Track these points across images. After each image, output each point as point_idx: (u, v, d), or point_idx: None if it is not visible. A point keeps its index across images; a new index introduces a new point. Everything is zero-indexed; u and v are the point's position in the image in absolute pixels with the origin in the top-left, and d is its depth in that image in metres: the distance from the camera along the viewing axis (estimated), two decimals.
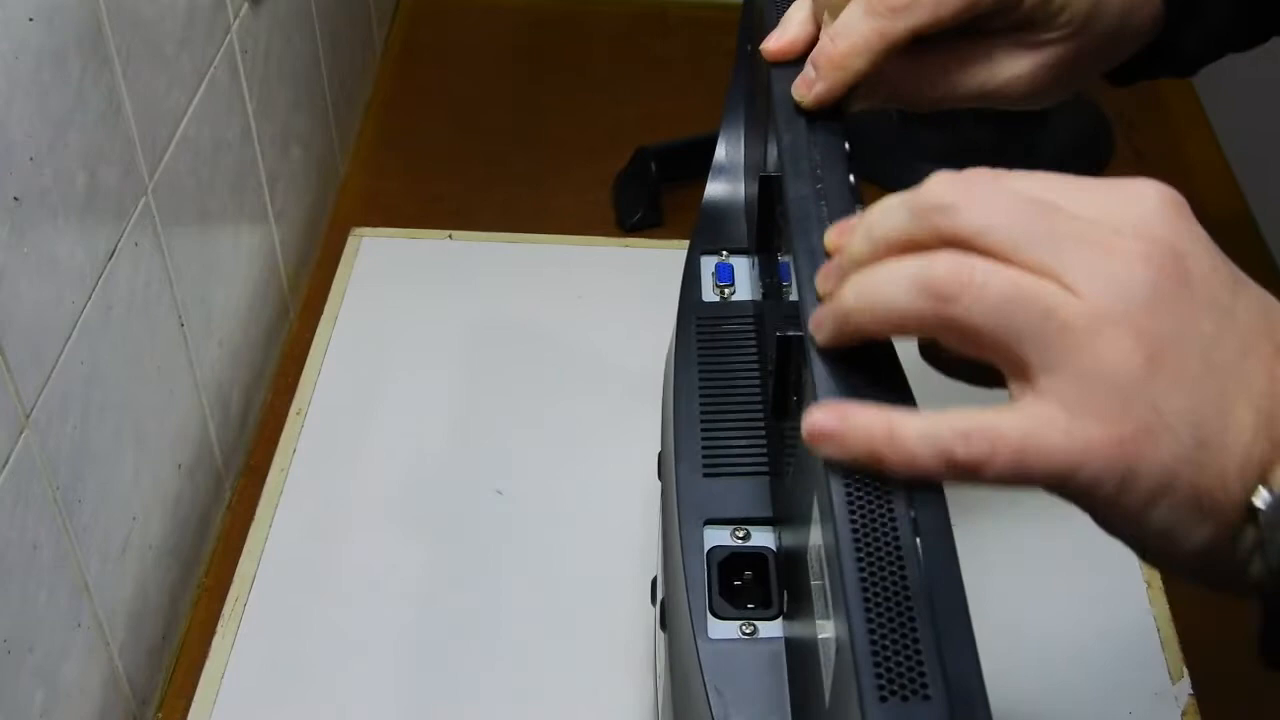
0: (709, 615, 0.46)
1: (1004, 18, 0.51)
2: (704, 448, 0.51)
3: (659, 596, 0.55)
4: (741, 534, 0.48)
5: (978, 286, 0.37)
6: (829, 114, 0.50)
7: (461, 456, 0.83)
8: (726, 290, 0.57)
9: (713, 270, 0.58)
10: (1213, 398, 0.37)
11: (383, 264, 0.96)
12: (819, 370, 0.40)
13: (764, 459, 0.50)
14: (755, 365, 0.54)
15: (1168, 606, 0.75)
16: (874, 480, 0.37)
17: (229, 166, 0.81)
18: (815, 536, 0.39)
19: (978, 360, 0.39)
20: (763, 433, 0.51)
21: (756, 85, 0.58)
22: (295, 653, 0.73)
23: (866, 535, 0.36)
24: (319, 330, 0.91)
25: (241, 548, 0.78)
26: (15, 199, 0.56)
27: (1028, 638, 0.73)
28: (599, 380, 0.87)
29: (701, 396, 0.52)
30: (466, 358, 0.89)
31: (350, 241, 0.98)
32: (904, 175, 0.47)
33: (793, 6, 0.53)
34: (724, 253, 0.59)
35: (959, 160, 0.42)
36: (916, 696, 0.32)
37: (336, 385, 0.87)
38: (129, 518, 0.69)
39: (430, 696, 0.71)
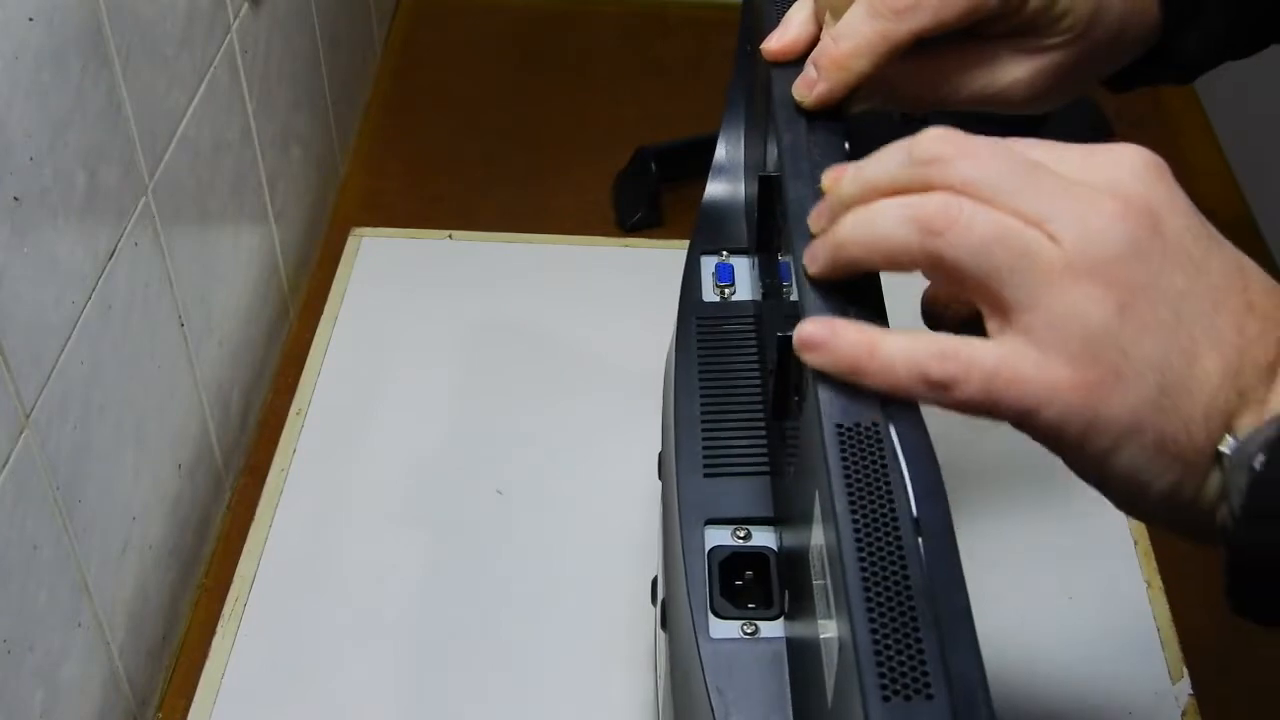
0: (710, 615, 0.46)
1: (1006, 22, 0.51)
2: (704, 448, 0.51)
3: (659, 596, 0.55)
4: (742, 534, 0.48)
5: (964, 223, 0.39)
6: (829, 114, 0.50)
7: (461, 456, 0.83)
8: (727, 290, 0.57)
9: (713, 270, 0.58)
10: (1181, 347, 0.39)
11: (383, 264, 0.96)
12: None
13: (764, 459, 0.50)
14: (755, 365, 0.54)
15: (1168, 606, 0.75)
16: (876, 479, 0.37)
17: (229, 166, 0.81)
18: (817, 536, 0.39)
19: (973, 324, 0.41)
20: (763, 432, 0.51)
21: (756, 85, 0.58)
22: (295, 653, 0.73)
23: (869, 535, 0.36)
24: (319, 330, 0.91)
25: (241, 548, 0.78)
26: (15, 199, 0.56)
27: (1027, 638, 0.73)
28: (599, 380, 0.87)
29: (702, 396, 0.52)
30: (466, 358, 0.89)
31: (350, 241, 0.98)
32: None
33: (794, 7, 0.53)
34: (724, 253, 0.59)
35: None
36: (919, 696, 0.32)
37: (336, 385, 0.87)
38: (129, 518, 0.69)
39: (430, 696, 0.71)
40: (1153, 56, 0.56)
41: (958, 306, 0.45)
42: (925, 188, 0.40)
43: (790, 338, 0.42)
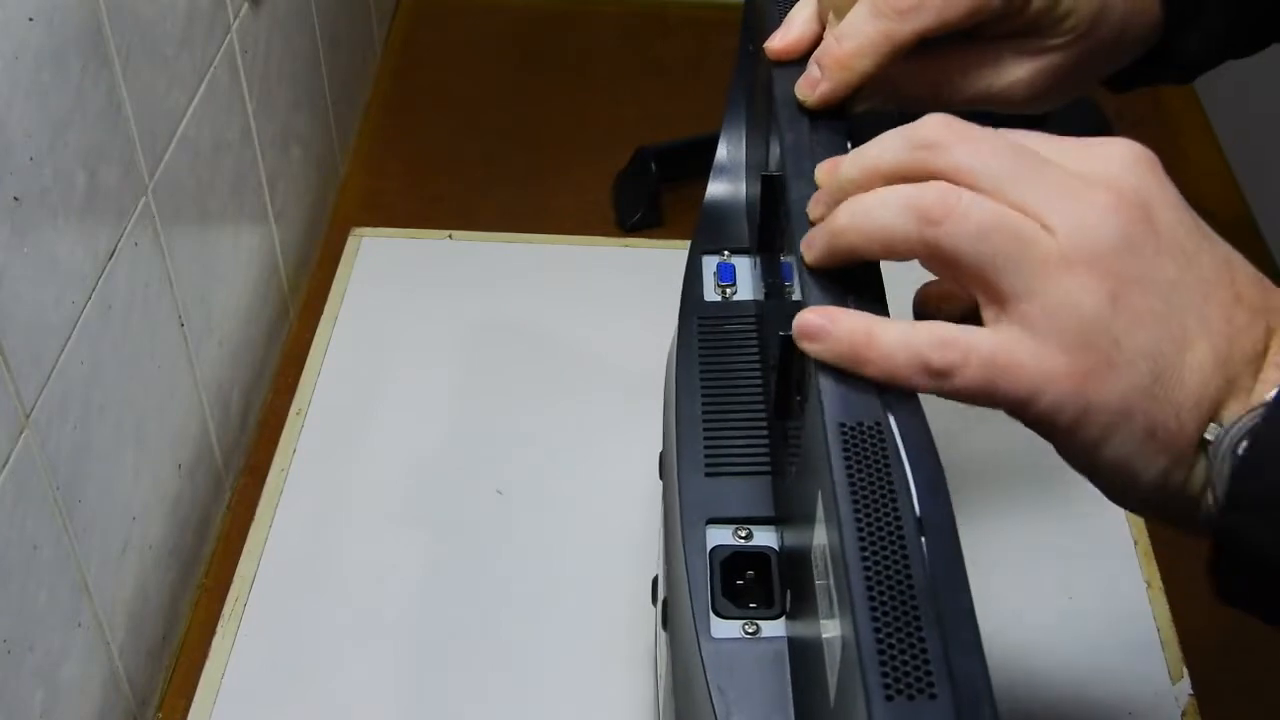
0: (712, 615, 0.46)
1: (1009, 23, 0.51)
2: (706, 447, 0.51)
3: (660, 596, 0.55)
4: (744, 534, 0.48)
5: (962, 213, 0.39)
6: (832, 113, 0.50)
7: (461, 456, 0.83)
8: (728, 290, 0.57)
9: (714, 270, 0.58)
10: (1172, 336, 0.39)
11: (383, 264, 0.96)
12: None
13: (766, 459, 0.50)
14: (757, 365, 0.54)
15: (1168, 606, 0.75)
16: (878, 479, 0.37)
17: (229, 166, 0.81)
18: (819, 536, 0.39)
19: (965, 322, 0.41)
20: (764, 432, 0.51)
21: (758, 85, 0.58)
22: (295, 653, 0.73)
23: (872, 534, 0.36)
24: (319, 330, 0.91)
25: (241, 548, 0.78)
26: (15, 199, 0.55)
27: (1027, 638, 0.73)
28: (598, 380, 0.87)
29: (703, 396, 0.52)
30: (466, 358, 0.89)
31: (350, 241, 0.98)
32: None
33: (796, 6, 0.53)
34: (725, 252, 0.59)
35: None
36: (923, 695, 0.32)
37: (336, 385, 0.87)
38: (129, 518, 0.69)
39: (430, 696, 0.71)
40: (1153, 56, 0.56)
41: (949, 306, 0.45)
42: (924, 172, 0.41)
43: (792, 337, 0.42)
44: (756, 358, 0.54)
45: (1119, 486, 0.42)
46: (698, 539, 0.48)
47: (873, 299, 0.43)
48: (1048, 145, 0.41)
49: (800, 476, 0.43)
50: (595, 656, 0.72)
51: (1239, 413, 0.39)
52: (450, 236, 0.99)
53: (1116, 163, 0.41)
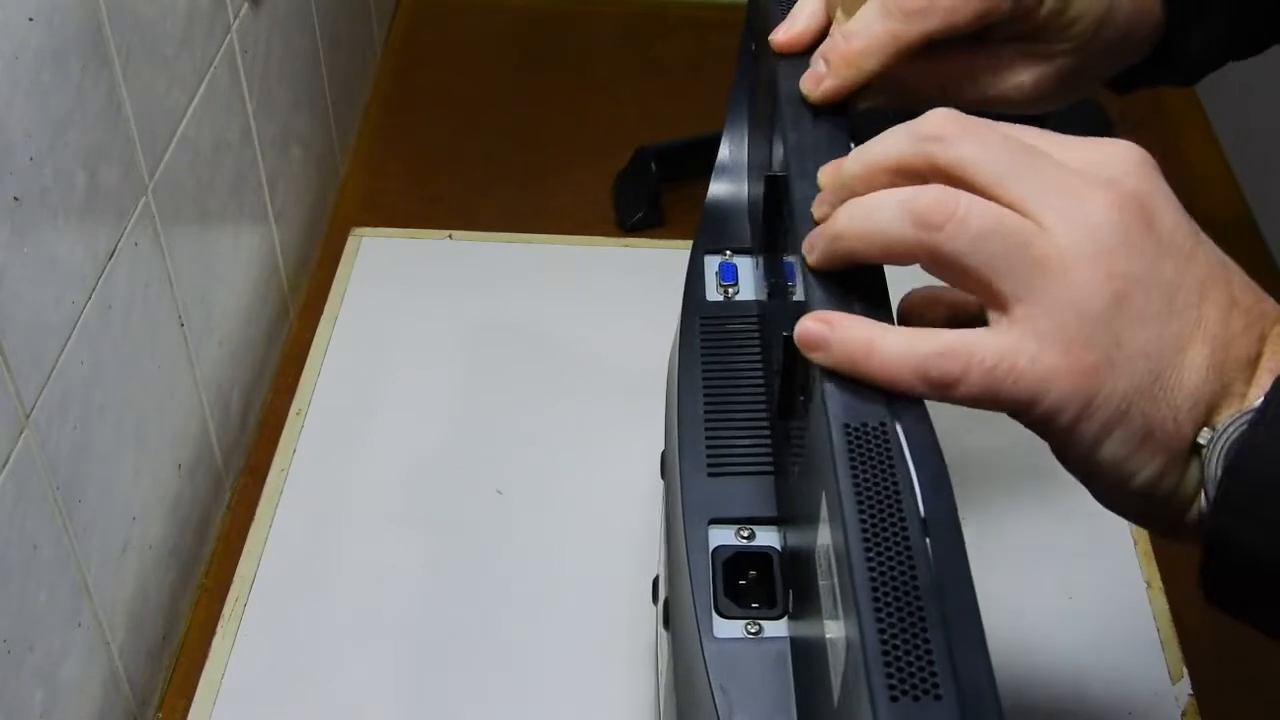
0: (714, 614, 0.46)
1: (1016, 27, 0.52)
2: (708, 447, 0.50)
3: (662, 596, 0.54)
4: (746, 534, 0.48)
5: (960, 218, 0.39)
6: (834, 109, 0.50)
7: (461, 456, 0.83)
8: (730, 290, 0.57)
9: (716, 270, 0.58)
10: (1171, 336, 0.40)
11: (383, 264, 0.96)
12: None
13: (768, 459, 0.50)
14: (759, 365, 0.54)
15: (1168, 606, 0.75)
16: (883, 480, 0.37)
17: (229, 166, 0.81)
18: (823, 536, 0.39)
19: (951, 323, 0.42)
20: (767, 432, 0.51)
21: (760, 85, 0.58)
22: (295, 653, 0.73)
23: (877, 535, 0.36)
24: (319, 330, 0.91)
25: (241, 548, 0.78)
26: (15, 199, 0.55)
27: (1027, 637, 0.73)
28: (598, 380, 0.87)
29: (705, 396, 0.52)
30: (466, 358, 0.89)
31: (350, 241, 0.98)
32: None
33: (801, 0, 0.54)
34: (728, 252, 0.59)
35: None
36: (928, 696, 0.32)
37: (336, 385, 0.87)
38: (129, 518, 0.69)
39: (430, 696, 0.71)
40: (1155, 57, 0.56)
41: (933, 314, 0.45)
42: (928, 164, 0.41)
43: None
44: (759, 358, 0.54)
45: (1112, 489, 0.42)
46: (700, 539, 0.48)
47: (875, 300, 0.43)
48: (1049, 143, 0.42)
49: (803, 476, 0.43)
50: (595, 656, 0.72)
51: (1232, 417, 0.40)
52: (450, 236, 0.99)
53: (1117, 163, 0.41)
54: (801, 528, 0.43)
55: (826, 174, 0.45)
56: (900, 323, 0.45)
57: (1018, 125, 0.42)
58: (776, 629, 0.45)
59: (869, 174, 0.42)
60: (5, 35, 0.54)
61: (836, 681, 0.36)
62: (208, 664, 0.72)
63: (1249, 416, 0.39)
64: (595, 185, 1.05)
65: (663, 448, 0.57)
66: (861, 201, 0.42)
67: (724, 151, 0.62)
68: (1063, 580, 0.76)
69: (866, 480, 0.37)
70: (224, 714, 0.70)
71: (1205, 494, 0.40)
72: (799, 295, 0.44)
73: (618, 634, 0.73)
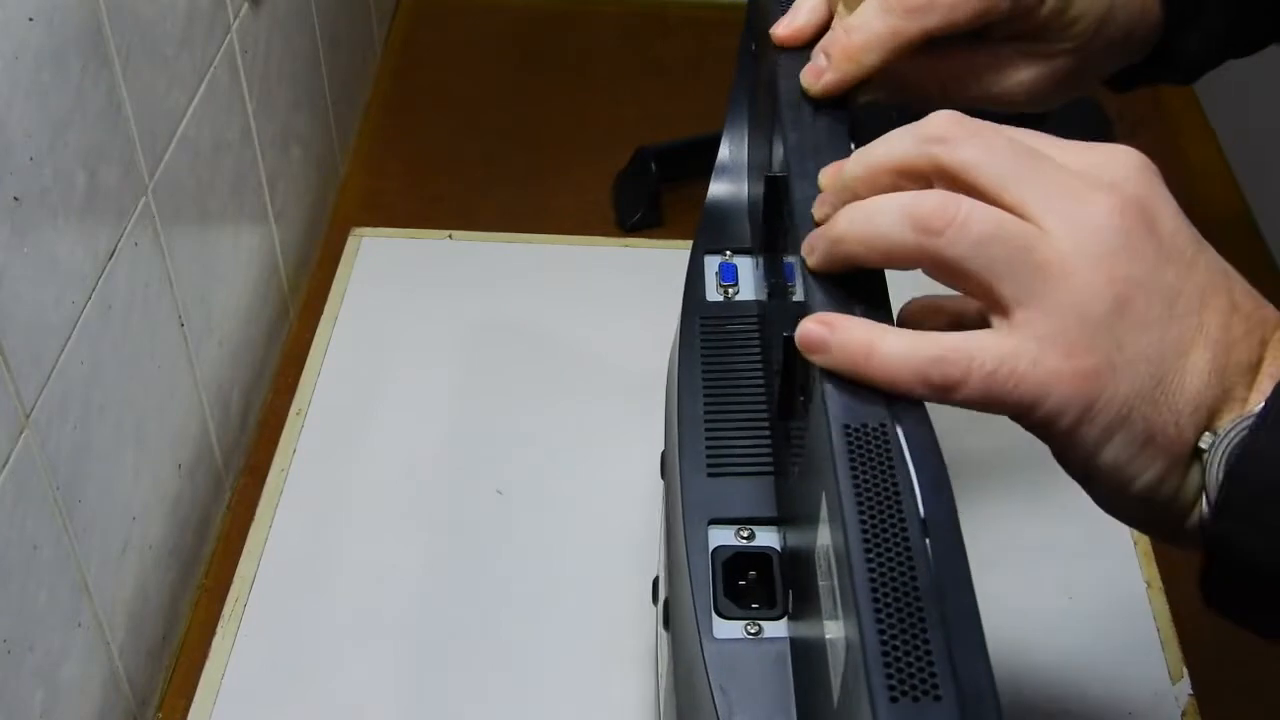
0: (714, 615, 0.46)
1: (1016, 26, 0.52)
2: (708, 448, 0.50)
3: (661, 596, 0.54)
4: (746, 534, 0.48)
5: (961, 223, 0.39)
6: (834, 103, 0.50)
7: (461, 456, 0.83)
8: (730, 290, 0.57)
9: (716, 270, 0.58)
10: (1173, 341, 0.40)
11: (383, 264, 0.96)
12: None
13: (768, 459, 0.50)
14: (759, 365, 0.54)
15: (1168, 606, 0.75)
16: (883, 480, 0.37)
17: (229, 166, 0.81)
18: (823, 537, 0.39)
19: (952, 329, 0.41)
20: (767, 433, 0.51)
21: (760, 85, 0.58)
22: (295, 653, 0.73)
23: (877, 536, 0.36)
24: (319, 330, 0.91)
25: (241, 548, 0.78)
26: (15, 199, 0.55)
27: (1027, 637, 0.73)
28: (598, 380, 0.87)
29: (705, 396, 0.52)
30: (466, 358, 0.89)
31: (350, 241, 0.98)
32: None
33: None
34: (728, 252, 0.59)
35: None
36: (927, 697, 0.32)
37: (336, 385, 0.87)
38: (129, 518, 0.69)
39: (430, 696, 0.71)
40: (1154, 56, 0.56)
41: (934, 321, 0.45)
42: (931, 165, 0.41)
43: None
44: (759, 358, 0.54)
45: (1111, 493, 0.42)
46: (700, 539, 0.48)
47: (876, 301, 0.43)
48: (1054, 145, 0.42)
49: (803, 477, 0.43)
50: (595, 656, 0.72)
51: (1233, 421, 0.40)
52: (450, 236, 0.99)
53: (1119, 167, 0.41)
54: (801, 528, 0.43)
55: (828, 175, 0.45)
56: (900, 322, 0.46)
57: (1020, 129, 0.42)
58: (776, 629, 0.45)
59: (871, 175, 0.42)
60: (5, 35, 0.54)
61: (836, 682, 0.36)
62: (208, 664, 0.72)
63: (1250, 421, 0.39)
64: (595, 185, 1.05)
65: (663, 448, 0.57)
66: (863, 205, 0.42)
67: (724, 151, 0.62)
68: (1063, 580, 0.76)
69: (866, 481, 0.37)
70: (224, 714, 0.70)
71: (1206, 499, 0.40)
72: (799, 296, 0.44)
73: (618, 634, 0.73)
